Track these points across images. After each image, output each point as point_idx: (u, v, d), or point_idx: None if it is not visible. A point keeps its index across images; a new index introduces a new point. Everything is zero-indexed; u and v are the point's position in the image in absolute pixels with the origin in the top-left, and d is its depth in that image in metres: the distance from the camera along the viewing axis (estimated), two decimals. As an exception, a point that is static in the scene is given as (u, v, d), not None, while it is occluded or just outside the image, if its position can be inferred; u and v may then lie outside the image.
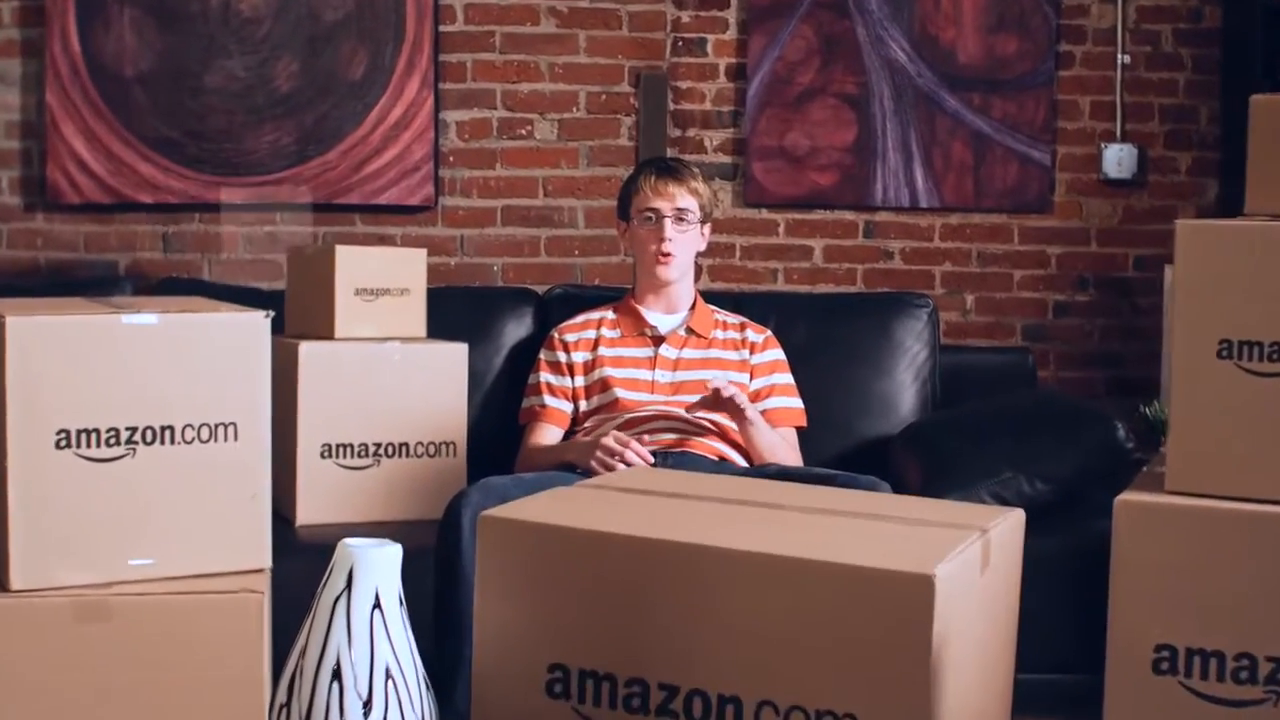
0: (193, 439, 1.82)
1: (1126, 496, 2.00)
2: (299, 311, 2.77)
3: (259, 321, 1.91)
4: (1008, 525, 1.84)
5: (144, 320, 1.84)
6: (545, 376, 2.86)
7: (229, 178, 3.81)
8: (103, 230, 3.90)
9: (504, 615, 1.70)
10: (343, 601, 1.68)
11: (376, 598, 1.68)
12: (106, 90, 3.79)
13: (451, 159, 3.92)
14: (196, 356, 1.85)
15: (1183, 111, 3.99)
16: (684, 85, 3.96)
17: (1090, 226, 4.02)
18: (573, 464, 2.63)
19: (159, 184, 3.81)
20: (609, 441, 2.53)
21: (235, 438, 1.86)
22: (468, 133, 3.92)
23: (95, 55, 3.78)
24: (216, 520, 1.86)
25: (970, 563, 1.67)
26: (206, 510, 1.84)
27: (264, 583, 1.89)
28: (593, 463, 2.53)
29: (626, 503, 1.83)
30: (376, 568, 1.69)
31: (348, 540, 1.71)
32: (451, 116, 3.90)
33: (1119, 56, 3.96)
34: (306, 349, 2.63)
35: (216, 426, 1.84)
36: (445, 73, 3.88)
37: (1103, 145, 3.99)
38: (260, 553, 1.92)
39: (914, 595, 1.51)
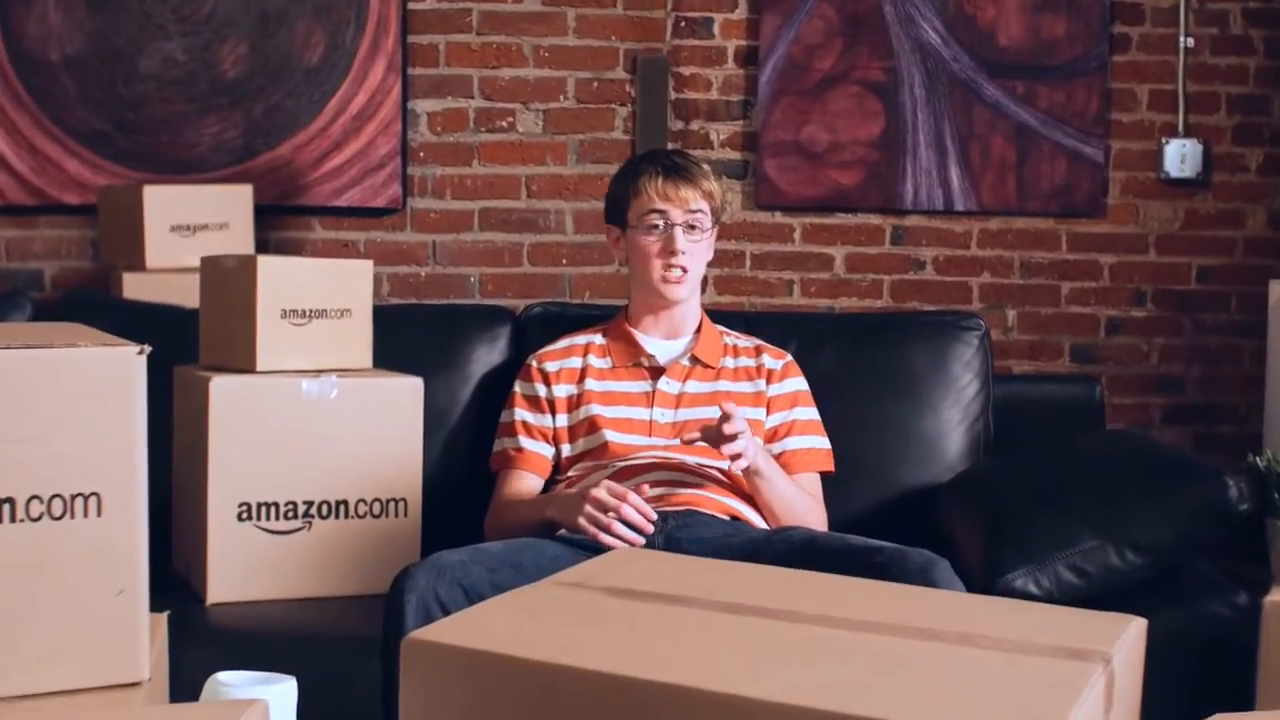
0: (40, 515, 1.52)
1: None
2: (215, 338, 2.42)
3: (129, 358, 1.60)
4: (1129, 643, 1.46)
5: (-33, 358, 1.54)
6: (521, 414, 2.51)
7: (166, 175, 3.63)
8: (26, 235, 3.75)
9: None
10: (209, 766, 1.21)
11: (256, 761, 1.20)
12: (29, 77, 3.62)
13: (422, 155, 3.77)
14: (45, 405, 1.55)
15: (1253, 102, 3.80)
16: (687, 71, 3.79)
17: (1148, 232, 3.83)
18: (555, 523, 2.28)
19: (88, 183, 3.65)
20: (600, 494, 2.18)
21: (98, 512, 1.57)
22: (440, 125, 3.76)
23: (16, 37, 3.65)
24: (73, 622, 1.57)
25: (1093, 710, 1.26)
26: (58, 609, 1.54)
27: (137, 702, 1.57)
28: (581, 521, 2.18)
29: (611, 614, 1.42)
30: (255, 720, 1.21)
31: (220, 677, 1.27)
32: (422, 106, 3.75)
33: (1181, 39, 3.78)
34: (220, 385, 2.27)
35: (73, 498, 1.54)
36: (414, 56, 3.73)
37: (1163, 140, 3.80)
38: (134, 662, 1.60)
39: (1029, 775, 1.09)
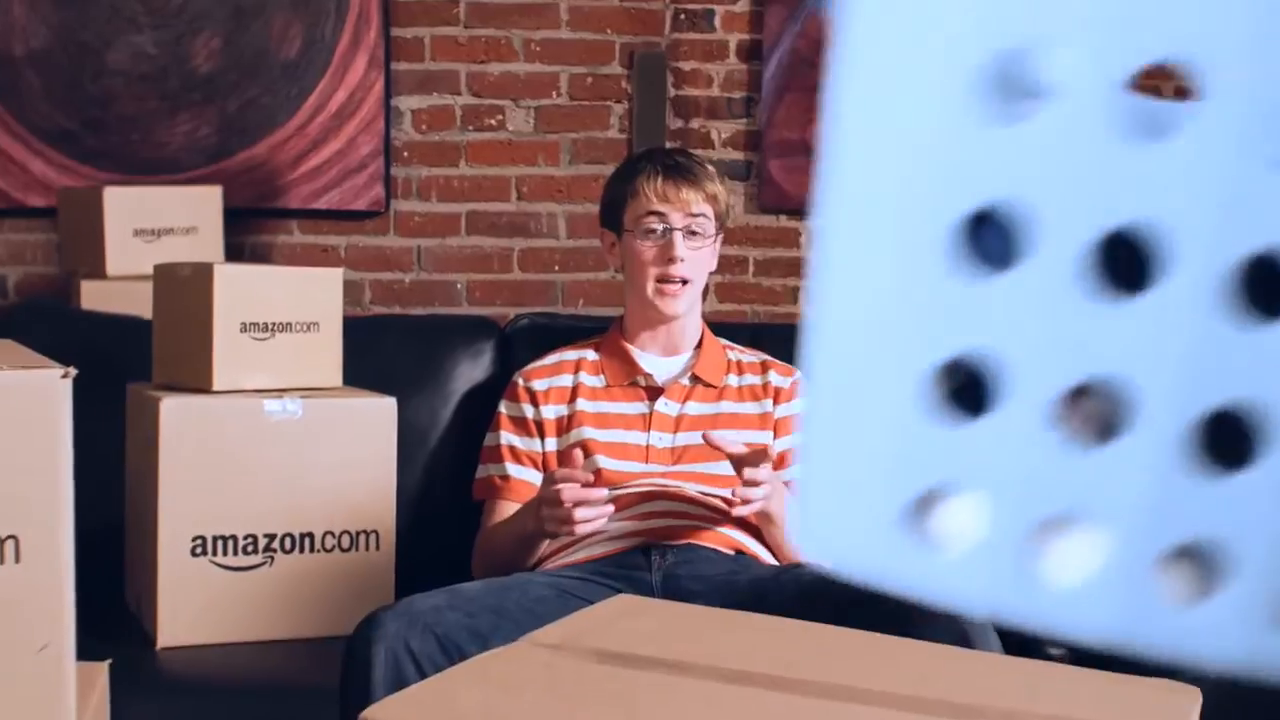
0: (-53, 563, 1.38)
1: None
2: (169, 353, 2.24)
3: (52, 382, 1.42)
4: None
5: None
6: (508, 437, 2.32)
7: (136, 176, 3.46)
8: (-12, 239, 3.66)
9: None
10: None
11: None
12: (-10, 72, 3.51)
13: (406, 155, 3.65)
14: (-49, 439, 1.40)
15: (1284, 99, 3.58)
16: (687, 66, 3.71)
17: (1173, 237, 3.62)
18: (535, 536, 2.14)
19: (53, 184, 3.49)
20: (547, 494, 2.02)
21: (16, 558, 1.42)
22: (425, 123, 3.65)
23: (-23, 30, 3.55)
24: (-14, 684, 1.43)
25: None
26: (-31, 669, 1.39)
27: (62, 775, 1.43)
28: (548, 528, 2.05)
29: (598, 686, 1.25)
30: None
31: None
32: (406, 103, 3.64)
33: (1209, 33, 3.59)
34: (172, 405, 2.09)
35: (-15, 543, 1.39)
36: (398, 50, 3.61)
37: (1189, 140, 3.59)
38: (58, 728, 1.47)
39: None
